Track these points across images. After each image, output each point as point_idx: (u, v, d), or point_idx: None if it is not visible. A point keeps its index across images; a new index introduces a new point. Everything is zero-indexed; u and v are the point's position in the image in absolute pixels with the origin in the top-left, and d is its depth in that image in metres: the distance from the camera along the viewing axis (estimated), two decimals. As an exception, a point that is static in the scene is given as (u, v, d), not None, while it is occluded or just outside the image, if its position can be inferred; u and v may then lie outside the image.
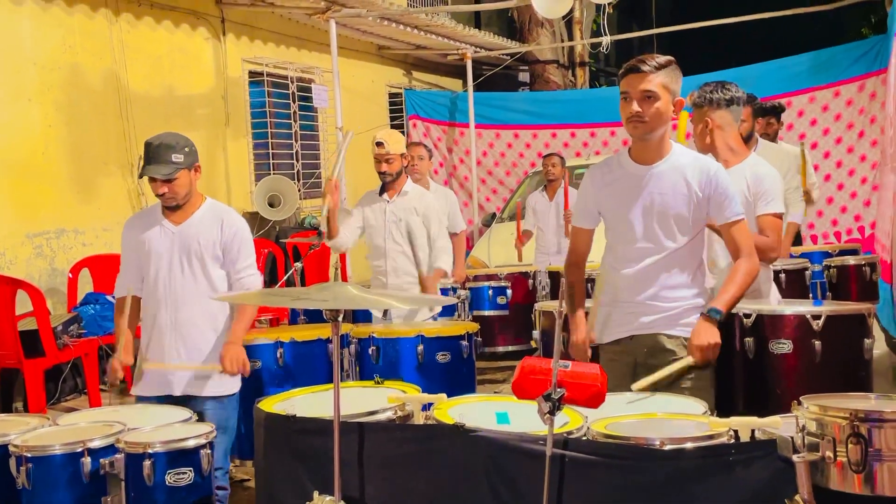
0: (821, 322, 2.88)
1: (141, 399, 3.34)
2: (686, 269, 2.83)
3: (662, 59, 2.76)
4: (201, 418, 3.23)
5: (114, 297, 3.47)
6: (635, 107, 2.71)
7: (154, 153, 3.25)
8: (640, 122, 2.72)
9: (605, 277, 2.99)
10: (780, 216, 3.24)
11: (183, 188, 3.29)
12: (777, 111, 6.09)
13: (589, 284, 3.76)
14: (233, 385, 3.38)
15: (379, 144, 4.45)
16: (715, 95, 3.34)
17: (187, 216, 3.37)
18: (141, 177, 3.31)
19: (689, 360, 2.71)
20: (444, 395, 2.38)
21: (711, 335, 2.69)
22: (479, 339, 4.10)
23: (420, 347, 3.81)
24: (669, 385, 2.75)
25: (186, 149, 3.30)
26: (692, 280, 2.85)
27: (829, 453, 1.74)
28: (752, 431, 2.02)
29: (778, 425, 1.97)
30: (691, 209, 2.78)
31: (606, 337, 2.97)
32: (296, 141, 9.23)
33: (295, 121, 9.20)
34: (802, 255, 5.01)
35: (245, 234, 3.44)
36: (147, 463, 2.45)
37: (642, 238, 2.81)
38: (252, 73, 8.62)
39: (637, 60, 2.75)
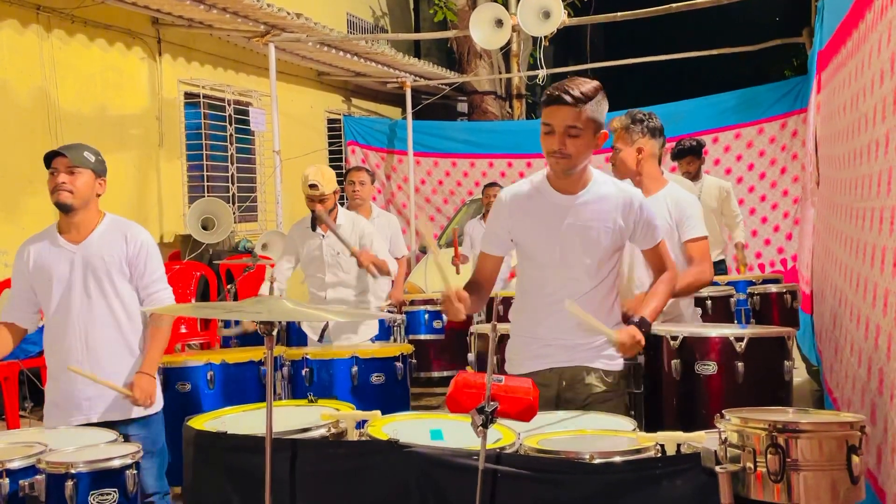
0: (744, 344, 2.98)
1: None
2: (605, 301, 2.79)
3: (588, 86, 2.60)
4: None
5: None
6: (558, 143, 2.58)
7: (66, 147, 3.15)
8: (563, 158, 2.61)
9: (521, 307, 2.87)
10: (705, 238, 3.36)
11: (83, 188, 3.12)
12: (695, 150, 6.22)
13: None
14: (156, 404, 3.25)
15: (313, 187, 4.45)
16: (651, 124, 3.44)
17: (87, 233, 3.19)
18: (47, 163, 3.12)
19: (615, 337, 2.61)
20: (377, 412, 2.37)
21: (640, 335, 2.65)
22: (414, 361, 4.11)
23: (354, 369, 3.80)
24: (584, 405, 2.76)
25: (99, 157, 3.20)
26: (611, 311, 2.82)
27: (749, 464, 1.80)
28: (678, 446, 2.07)
29: (702, 439, 2.03)
30: (614, 239, 2.74)
31: (523, 368, 2.82)
32: (231, 164, 9.13)
33: (231, 144, 9.10)
34: (728, 284, 5.20)
35: (151, 247, 3.28)
36: (69, 484, 2.37)
37: (566, 272, 2.73)
38: (188, 95, 8.51)
39: (561, 90, 2.58)
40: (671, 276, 2.89)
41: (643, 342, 2.68)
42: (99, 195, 3.23)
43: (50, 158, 3.14)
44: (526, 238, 2.78)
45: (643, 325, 2.71)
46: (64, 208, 3.14)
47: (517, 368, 2.83)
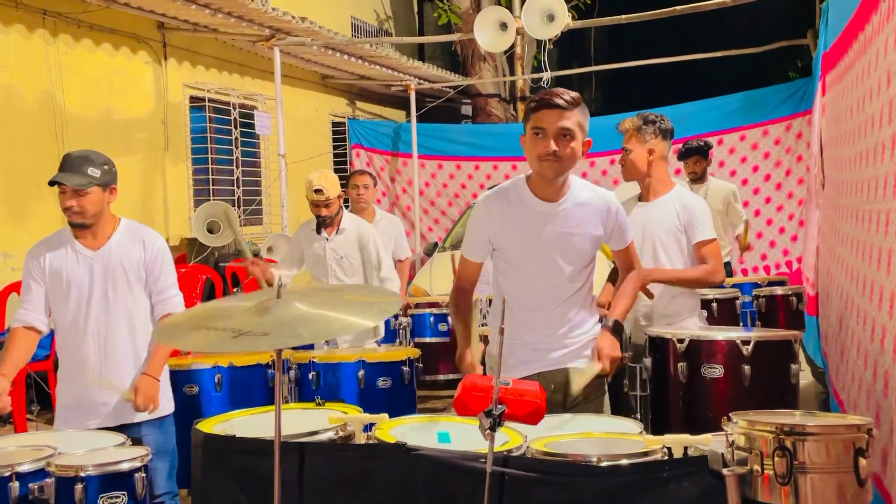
0: (750, 347, 2.99)
1: None
2: (586, 302, 2.84)
3: (574, 94, 2.63)
4: (139, 444, 3.16)
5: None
6: (552, 145, 2.58)
7: (70, 163, 3.09)
8: (556, 161, 2.60)
9: (504, 313, 2.85)
10: (715, 240, 3.38)
11: (93, 206, 3.10)
12: (702, 150, 6.21)
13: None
14: (167, 405, 3.29)
15: (318, 192, 4.46)
16: (663, 126, 3.44)
17: (105, 239, 3.19)
18: (52, 184, 3.10)
19: (598, 367, 2.68)
20: (385, 416, 2.38)
21: (617, 347, 2.73)
22: (420, 365, 4.12)
23: (361, 373, 3.81)
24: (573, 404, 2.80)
25: (105, 166, 3.14)
26: (590, 311, 2.87)
27: (756, 467, 1.81)
28: (685, 448, 2.08)
29: (709, 442, 2.04)
30: (593, 245, 2.79)
31: (511, 373, 2.72)
32: (237, 167, 9.16)
33: (236, 147, 9.13)
34: (734, 286, 5.20)
35: (167, 253, 3.30)
36: (79, 487, 2.37)
37: (549, 278, 2.74)
38: (193, 99, 8.54)
39: (551, 94, 2.60)
40: (637, 273, 2.96)
41: (619, 354, 2.74)
42: (111, 202, 3.22)
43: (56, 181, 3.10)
44: (508, 245, 2.78)
45: (617, 328, 2.78)
46: (78, 227, 3.16)
47: (504, 374, 2.83)
